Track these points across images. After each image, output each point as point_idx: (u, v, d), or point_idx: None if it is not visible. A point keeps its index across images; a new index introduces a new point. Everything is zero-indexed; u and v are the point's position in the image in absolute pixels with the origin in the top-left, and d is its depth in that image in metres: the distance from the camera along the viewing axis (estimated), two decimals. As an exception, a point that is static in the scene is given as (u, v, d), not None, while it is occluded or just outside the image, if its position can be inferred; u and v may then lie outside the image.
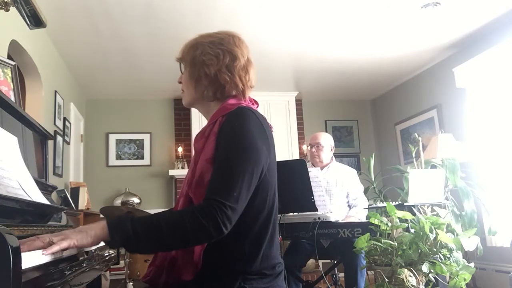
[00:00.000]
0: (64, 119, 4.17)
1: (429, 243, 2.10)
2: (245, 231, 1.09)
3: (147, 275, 1.18)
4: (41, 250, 0.89)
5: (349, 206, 3.00)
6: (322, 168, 3.02)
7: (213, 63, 1.19)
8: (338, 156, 5.64)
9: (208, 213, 0.98)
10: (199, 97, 1.24)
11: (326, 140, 3.05)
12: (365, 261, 2.36)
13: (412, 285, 1.99)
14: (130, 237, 0.97)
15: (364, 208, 2.91)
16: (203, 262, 1.08)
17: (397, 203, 2.67)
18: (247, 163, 1.05)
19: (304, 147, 5.43)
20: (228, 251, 1.09)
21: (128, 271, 3.56)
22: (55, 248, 0.91)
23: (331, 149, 3.08)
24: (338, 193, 2.96)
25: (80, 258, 1.18)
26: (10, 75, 2.05)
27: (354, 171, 3.10)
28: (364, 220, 2.83)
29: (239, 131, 1.08)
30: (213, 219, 0.97)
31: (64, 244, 0.93)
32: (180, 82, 1.30)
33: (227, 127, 1.10)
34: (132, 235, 0.97)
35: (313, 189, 2.39)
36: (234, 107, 1.15)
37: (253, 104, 1.26)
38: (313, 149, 3.03)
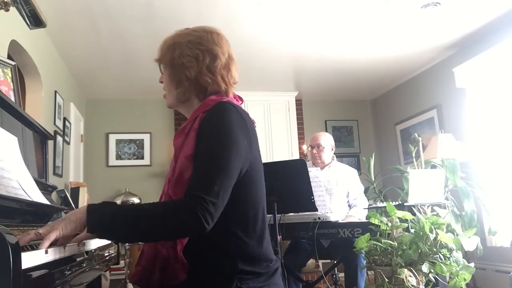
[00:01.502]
0: (64, 119, 4.16)
1: (429, 243, 2.10)
2: (231, 228, 1.08)
3: (134, 275, 1.17)
4: (43, 250, 0.90)
5: (349, 205, 3.00)
6: (323, 168, 3.02)
7: (193, 65, 1.17)
8: (338, 156, 5.59)
9: (189, 208, 0.97)
10: (181, 99, 1.22)
11: (327, 141, 3.06)
12: (365, 261, 2.36)
13: (412, 285, 1.99)
14: (106, 222, 0.98)
15: (364, 208, 2.91)
16: (196, 262, 1.07)
17: (397, 203, 2.67)
18: (226, 157, 1.03)
19: (304, 147, 5.43)
20: (217, 250, 1.08)
21: (128, 271, 3.56)
22: (46, 243, 0.92)
23: (332, 149, 3.09)
24: (339, 193, 2.97)
25: (80, 258, 1.18)
26: (10, 75, 2.05)
27: (355, 171, 3.10)
28: (364, 220, 2.84)
29: (218, 125, 1.07)
30: (194, 215, 0.96)
31: (52, 236, 0.94)
32: (161, 82, 1.28)
33: (206, 122, 1.09)
34: (109, 220, 0.98)
35: (313, 189, 2.39)
36: (215, 103, 1.13)
37: (237, 100, 1.24)
38: (314, 150, 3.04)
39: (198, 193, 0.98)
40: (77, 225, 0.99)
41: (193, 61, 1.17)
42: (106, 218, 0.98)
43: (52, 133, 3.53)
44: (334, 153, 3.16)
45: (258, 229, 1.13)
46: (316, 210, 2.40)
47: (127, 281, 3.53)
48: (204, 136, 1.07)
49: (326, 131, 5.84)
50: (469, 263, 2.08)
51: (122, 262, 3.36)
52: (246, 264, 1.08)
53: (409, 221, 2.24)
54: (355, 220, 2.79)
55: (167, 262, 1.10)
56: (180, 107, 1.26)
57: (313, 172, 2.60)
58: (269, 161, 3.99)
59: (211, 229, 1.00)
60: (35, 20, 2.06)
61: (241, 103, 1.25)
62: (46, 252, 0.92)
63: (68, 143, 4.35)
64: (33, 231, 0.95)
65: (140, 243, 3.59)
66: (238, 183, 1.07)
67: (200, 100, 1.20)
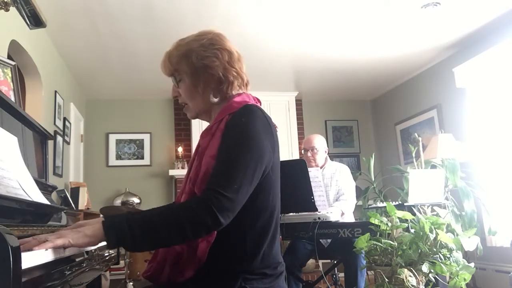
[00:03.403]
0: (64, 119, 4.16)
1: (429, 243, 2.10)
2: (247, 229, 1.09)
3: (147, 271, 1.17)
4: (42, 250, 0.89)
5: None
6: (318, 170, 3.02)
7: (217, 64, 1.18)
8: (338, 156, 5.64)
9: (204, 204, 0.97)
10: (207, 103, 1.22)
11: (320, 143, 3.05)
12: (365, 261, 2.36)
13: (412, 285, 1.99)
14: (126, 237, 0.95)
15: (350, 204, 2.89)
16: (206, 261, 1.07)
17: (397, 203, 2.67)
18: (250, 158, 1.05)
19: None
20: (229, 250, 1.09)
21: (128, 271, 3.56)
22: (49, 245, 0.89)
23: (325, 151, 3.08)
24: (334, 193, 2.97)
25: (80, 258, 1.18)
26: (10, 75, 2.05)
27: (346, 168, 3.07)
28: (347, 213, 2.84)
29: (245, 127, 1.08)
30: (208, 210, 0.96)
31: (59, 242, 0.91)
32: (175, 97, 1.26)
33: (233, 124, 1.10)
34: (128, 234, 0.95)
35: (313, 189, 2.40)
36: (241, 105, 1.14)
37: (256, 102, 1.25)
38: (309, 153, 3.01)
39: (215, 187, 0.99)
40: (92, 241, 0.96)
41: (215, 60, 1.18)
42: (125, 234, 0.95)
43: (52, 133, 3.53)
44: (335, 154, 3.16)
45: (270, 231, 1.14)
46: (316, 210, 2.40)
47: (127, 281, 3.53)
48: (229, 138, 1.08)
49: (326, 131, 5.85)
50: (469, 263, 2.07)
51: (122, 262, 3.35)
52: (255, 264, 1.09)
53: (409, 221, 2.24)
54: (337, 210, 2.77)
55: (179, 258, 1.10)
56: (204, 114, 1.25)
57: (313, 172, 2.60)
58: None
59: (225, 229, 1.00)
60: (35, 20, 2.06)
61: (260, 105, 1.25)
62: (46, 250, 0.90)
63: (68, 143, 4.35)
64: (43, 235, 0.92)
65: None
66: (258, 185, 1.08)
67: (225, 99, 1.21)
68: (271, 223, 1.14)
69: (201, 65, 1.18)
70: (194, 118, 1.28)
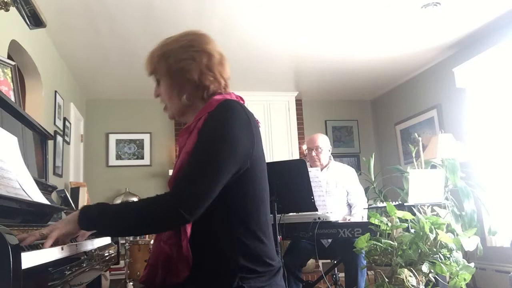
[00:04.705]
0: (64, 119, 4.16)
1: (429, 243, 2.10)
2: (234, 227, 1.09)
3: (142, 276, 1.18)
4: (46, 249, 0.94)
5: (348, 205, 3.01)
6: (321, 169, 3.02)
7: (193, 67, 1.17)
8: (338, 156, 5.64)
9: (171, 201, 1.01)
10: (185, 105, 1.22)
11: (324, 142, 3.07)
12: (365, 261, 2.37)
13: (412, 285, 1.99)
14: (94, 216, 1.06)
15: (364, 208, 2.92)
16: (198, 260, 1.07)
17: (397, 203, 2.68)
18: (218, 153, 1.05)
19: (304, 147, 5.43)
20: (222, 249, 1.08)
21: (128, 271, 3.56)
22: (49, 241, 1.00)
23: (329, 150, 3.10)
24: (338, 194, 2.97)
25: (81, 258, 1.18)
26: (10, 75, 2.05)
27: (353, 170, 3.10)
28: (365, 216, 2.86)
29: (219, 123, 1.08)
30: (174, 207, 1.00)
31: (54, 234, 1.02)
32: (157, 96, 1.27)
33: (209, 121, 1.09)
34: (97, 215, 1.06)
35: (313, 189, 2.40)
36: (219, 102, 1.13)
37: (239, 100, 1.24)
38: (313, 153, 3.03)
39: (181, 186, 1.03)
40: (76, 226, 1.06)
41: (192, 63, 1.18)
42: (94, 213, 1.06)
43: (52, 133, 3.53)
44: (335, 154, 3.18)
45: (261, 227, 1.13)
46: (316, 210, 2.40)
47: (127, 281, 3.53)
48: (204, 135, 1.08)
49: (326, 131, 5.85)
50: (469, 263, 2.08)
51: (122, 262, 3.35)
52: (249, 263, 1.08)
53: (409, 221, 2.24)
54: (359, 217, 2.81)
55: (169, 260, 1.10)
56: (183, 116, 1.25)
57: (313, 172, 2.60)
58: (269, 161, 3.98)
59: (214, 227, 1.02)
60: (35, 20, 2.06)
61: (243, 103, 1.25)
62: (62, 248, 1.03)
63: (68, 143, 4.35)
64: (37, 231, 1.02)
65: (139, 240, 3.60)
66: (239, 180, 1.08)
67: (204, 101, 1.20)
68: (259, 219, 1.13)
69: (178, 68, 1.19)
70: (172, 118, 1.29)
